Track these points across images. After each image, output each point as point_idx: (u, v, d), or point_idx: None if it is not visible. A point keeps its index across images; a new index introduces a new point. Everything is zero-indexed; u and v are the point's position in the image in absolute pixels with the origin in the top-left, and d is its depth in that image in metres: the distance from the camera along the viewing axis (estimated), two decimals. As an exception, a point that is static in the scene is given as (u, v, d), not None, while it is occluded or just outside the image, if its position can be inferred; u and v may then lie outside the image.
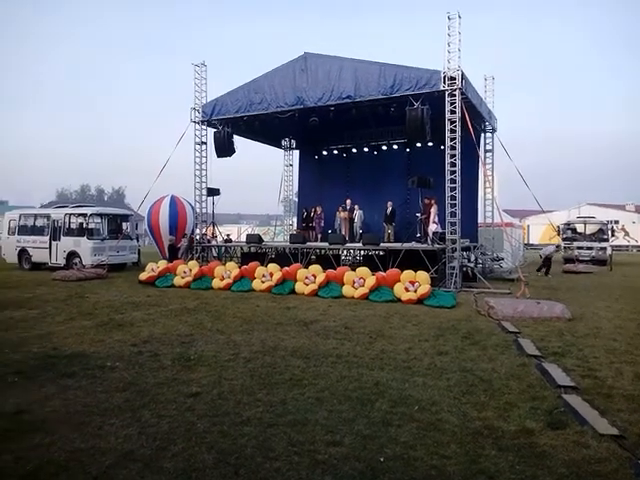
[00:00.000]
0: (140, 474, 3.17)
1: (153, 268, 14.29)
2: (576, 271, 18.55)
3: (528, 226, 45.75)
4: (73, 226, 18.49)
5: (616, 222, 43.19)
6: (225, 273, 13.17)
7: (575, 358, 6.03)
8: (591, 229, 24.58)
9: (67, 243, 17.93)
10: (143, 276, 14.11)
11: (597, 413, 4.15)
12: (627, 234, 43.02)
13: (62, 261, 17.88)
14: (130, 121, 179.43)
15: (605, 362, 5.85)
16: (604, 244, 23.27)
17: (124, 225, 19.57)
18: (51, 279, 14.88)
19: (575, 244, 23.30)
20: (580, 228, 24.85)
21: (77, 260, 17.54)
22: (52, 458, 3.37)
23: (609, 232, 24.24)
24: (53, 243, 18.37)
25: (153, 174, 16.81)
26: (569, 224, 25.47)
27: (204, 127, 16.94)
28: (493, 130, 17.80)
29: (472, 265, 15.44)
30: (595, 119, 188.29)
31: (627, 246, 41.98)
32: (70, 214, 18.57)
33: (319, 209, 18.88)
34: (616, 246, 32.11)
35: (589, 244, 23.30)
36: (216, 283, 13.06)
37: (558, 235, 24.02)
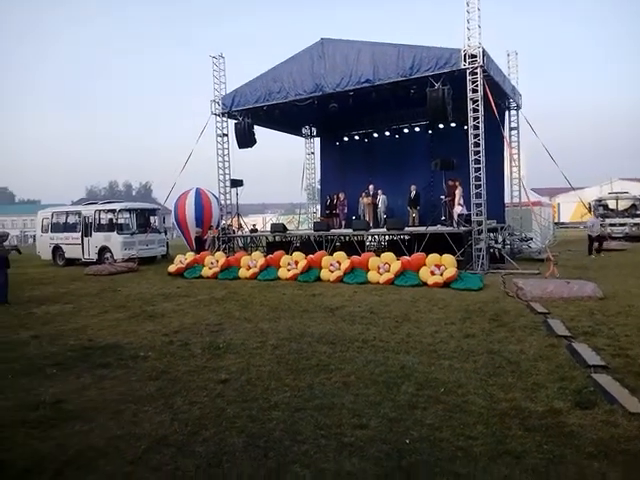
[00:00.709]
0: (173, 458, 3.30)
1: (181, 260, 14.59)
2: (608, 249, 18.03)
3: (558, 204, 44.61)
4: (103, 222, 18.99)
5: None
6: (251, 263, 13.35)
7: (606, 337, 5.92)
8: (624, 205, 23.84)
9: (98, 238, 18.43)
10: (172, 268, 14.43)
11: (627, 392, 4.08)
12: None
13: (94, 256, 18.39)
14: (154, 116, 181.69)
15: (637, 340, 5.72)
16: (638, 220, 22.54)
17: (152, 219, 19.99)
18: (84, 274, 15.38)
19: (607, 221, 22.63)
20: (612, 204, 24.12)
21: (108, 255, 18.01)
22: (91, 444, 3.54)
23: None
24: (85, 239, 18.89)
25: (178, 168, 17.09)
26: (600, 200, 24.74)
27: (225, 119, 17.08)
28: (518, 107, 17.35)
29: (499, 246, 15.20)
30: (630, 88, 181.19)
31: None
32: (100, 210, 19.06)
33: (342, 196, 18.84)
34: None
35: (622, 220, 22.62)
36: (243, 273, 13.26)
37: (589, 212, 23.36)
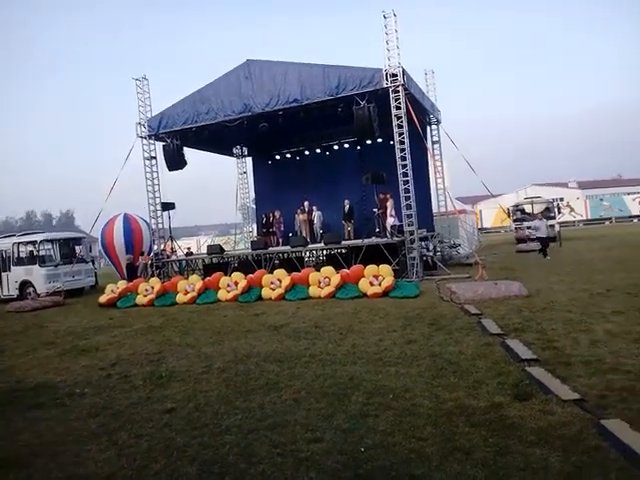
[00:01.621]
0: (124, 495, 3.14)
1: (113, 289, 13.92)
2: (528, 250, 19.32)
3: (480, 211, 47.33)
4: (23, 255, 17.75)
5: (561, 199, 45.34)
6: (189, 287, 12.99)
7: (535, 332, 6.34)
8: (538, 208, 25.70)
9: (18, 273, 17.18)
10: (103, 298, 13.72)
11: (559, 381, 4.39)
12: (572, 210, 45.23)
13: (15, 292, 17.11)
14: (74, 141, 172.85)
15: (562, 333, 6.18)
16: (552, 222, 24.37)
17: (77, 248, 18.93)
18: (6, 312, 14.25)
19: (525, 224, 24.28)
20: (528, 208, 25.95)
21: (31, 289, 16.85)
22: (30, 492, 3.30)
23: (555, 210, 25.39)
24: (3, 274, 17.55)
25: (103, 194, 16.40)
26: (518, 205, 26.55)
27: (152, 141, 16.65)
28: (438, 122, 18.35)
29: (431, 254, 15.85)
30: (537, 102, 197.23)
31: (573, 221, 44.12)
32: (19, 243, 17.82)
33: (278, 213, 18.89)
34: (563, 222, 33.64)
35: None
36: (180, 298, 12.86)
37: (508, 217, 24.98)
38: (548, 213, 25.14)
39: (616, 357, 4.97)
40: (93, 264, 20.42)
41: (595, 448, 3.18)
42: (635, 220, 42.21)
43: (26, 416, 4.83)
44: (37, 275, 16.77)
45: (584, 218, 45.10)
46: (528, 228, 23.36)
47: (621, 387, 4.15)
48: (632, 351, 5.13)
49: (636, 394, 3.98)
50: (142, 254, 19.15)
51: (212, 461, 3.51)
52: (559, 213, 25.79)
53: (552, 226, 24.04)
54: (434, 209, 18.12)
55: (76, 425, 4.47)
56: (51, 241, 18.09)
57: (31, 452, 3.95)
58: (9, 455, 3.92)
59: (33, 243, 17.57)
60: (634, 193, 42.48)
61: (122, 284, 14.24)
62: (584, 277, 10.83)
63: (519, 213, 25.69)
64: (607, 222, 43.52)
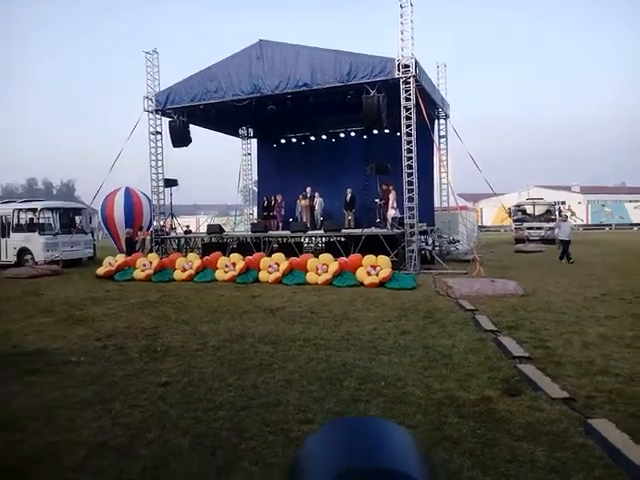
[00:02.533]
0: (117, 462, 3.21)
1: (111, 262, 13.96)
2: (527, 250, 19.38)
3: (481, 209, 47.26)
4: (22, 222, 17.74)
5: (563, 203, 45.28)
6: (187, 264, 13.03)
7: (528, 331, 6.41)
8: (540, 210, 25.72)
9: (17, 239, 17.19)
10: (101, 270, 13.77)
11: (549, 379, 4.46)
12: (573, 214, 45.17)
13: (13, 258, 17.13)
14: (80, 112, 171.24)
15: (555, 333, 6.24)
16: (552, 224, 24.41)
17: (77, 219, 18.92)
18: (3, 277, 14.29)
19: (525, 225, 24.31)
20: (529, 209, 25.95)
21: (29, 257, 16.87)
22: (25, 453, 3.35)
23: (556, 212, 25.43)
24: (2, 240, 17.57)
25: (106, 166, 16.34)
26: (519, 206, 26.55)
27: (158, 116, 16.56)
28: (446, 116, 18.24)
29: (430, 248, 15.91)
30: (546, 105, 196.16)
31: (574, 226, 44.16)
32: (19, 209, 17.80)
33: (279, 198, 18.87)
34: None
35: (538, 224, 24.36)
36: (178, 275, 12.91)
37: (509, 217, 24.98)
38: (549, 215, 25.17)
39: (607, 360, 5.04)
40: (92, 236, 20.44)
41: (581, 445, 3.25)
42: (635, 228, 42.17)
43: (23, 380, 4.89)
44: (36, 243, 16.77)
45: (584, 223, 45.10)
46: (530, 228, 23.34)
47: (610, 389, 4.22)
48: (623, 355, 5.20)
49: (624, 396, 4.05)
50: (141, 229, 19.17)
51: (204, 435, 3.58)
52: (560, 216, 25.81)
53: (552, 228, 24.11)
54: (436, 203, 18.10)
55: (71, 392, 4.54)
56: (52, 210, 18.10)
57: (27, 416, 4.01)
58: (5, 417, 3.98)
59: (33, 210, 17.56)
60: (636, 201, 42.41)
61: (120, 257, 14.29)
62: (580, 281, 10.87)
63: (520, 213, 25.71)
64: (607, 228, 43.51)
